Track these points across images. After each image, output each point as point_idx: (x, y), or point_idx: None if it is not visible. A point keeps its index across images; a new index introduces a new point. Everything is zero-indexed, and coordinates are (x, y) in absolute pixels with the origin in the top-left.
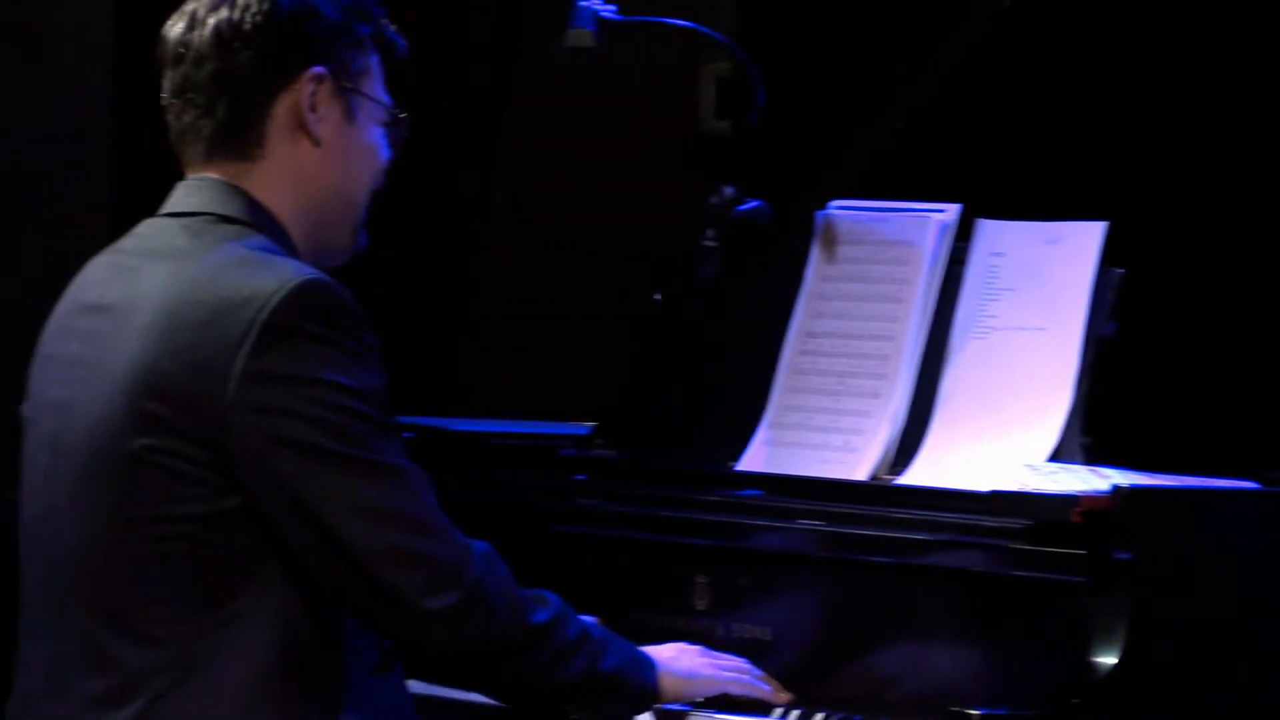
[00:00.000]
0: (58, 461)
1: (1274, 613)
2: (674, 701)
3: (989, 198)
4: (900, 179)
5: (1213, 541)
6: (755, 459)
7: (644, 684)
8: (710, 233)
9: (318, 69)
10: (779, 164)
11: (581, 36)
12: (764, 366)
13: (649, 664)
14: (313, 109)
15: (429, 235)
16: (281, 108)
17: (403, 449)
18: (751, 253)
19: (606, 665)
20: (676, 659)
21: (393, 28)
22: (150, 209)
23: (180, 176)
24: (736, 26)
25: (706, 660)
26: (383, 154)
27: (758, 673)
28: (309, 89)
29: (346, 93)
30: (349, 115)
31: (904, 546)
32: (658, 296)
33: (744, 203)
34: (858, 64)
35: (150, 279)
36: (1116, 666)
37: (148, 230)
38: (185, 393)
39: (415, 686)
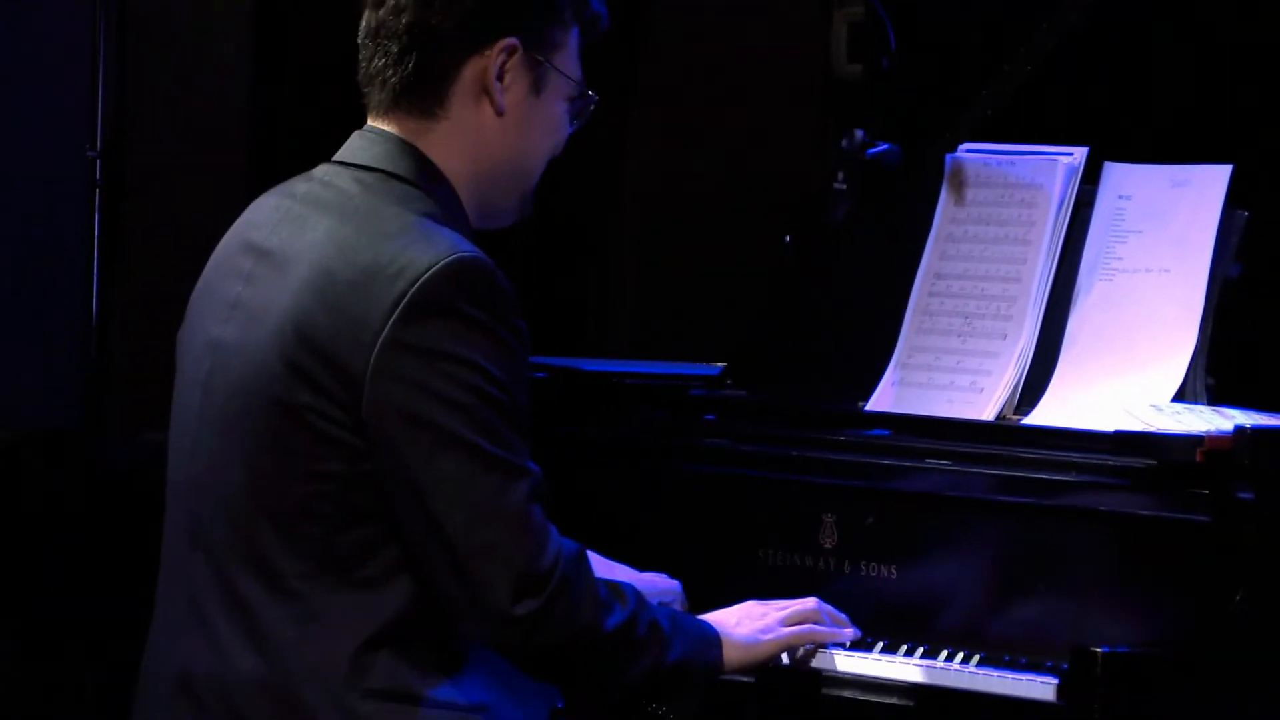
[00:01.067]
0: (209, 402)
1: None
2: (739, 672)
3: (1118, 141)
4: (1030, 122)
5: None
6: (883, 399)
7: (708, 664)
8: (840, 175)
9: (511, 40)
10: (909, 107)
11: None
12: (892, 308)
13: (714, 642)
14: (500, 78)
15: (563, 179)
16: (470, 72)
17: (527, 449)
18: (881, 195)
19: (672, 657)
20: (739, 625)
21: (598, 1)
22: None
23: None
24: None
25: (771, 619)
26: (564, 129)
27: (827, 608)
28: (500, 58)
29: (537, 65)
30: (535, 88)
31: (1029, 486)
32: (788, 238)
33: (875, 146)
34: (989, 7)
35: (314, 232)
36: (1238, 605)
37: (320, 176)
38: (333, 350)
39: None
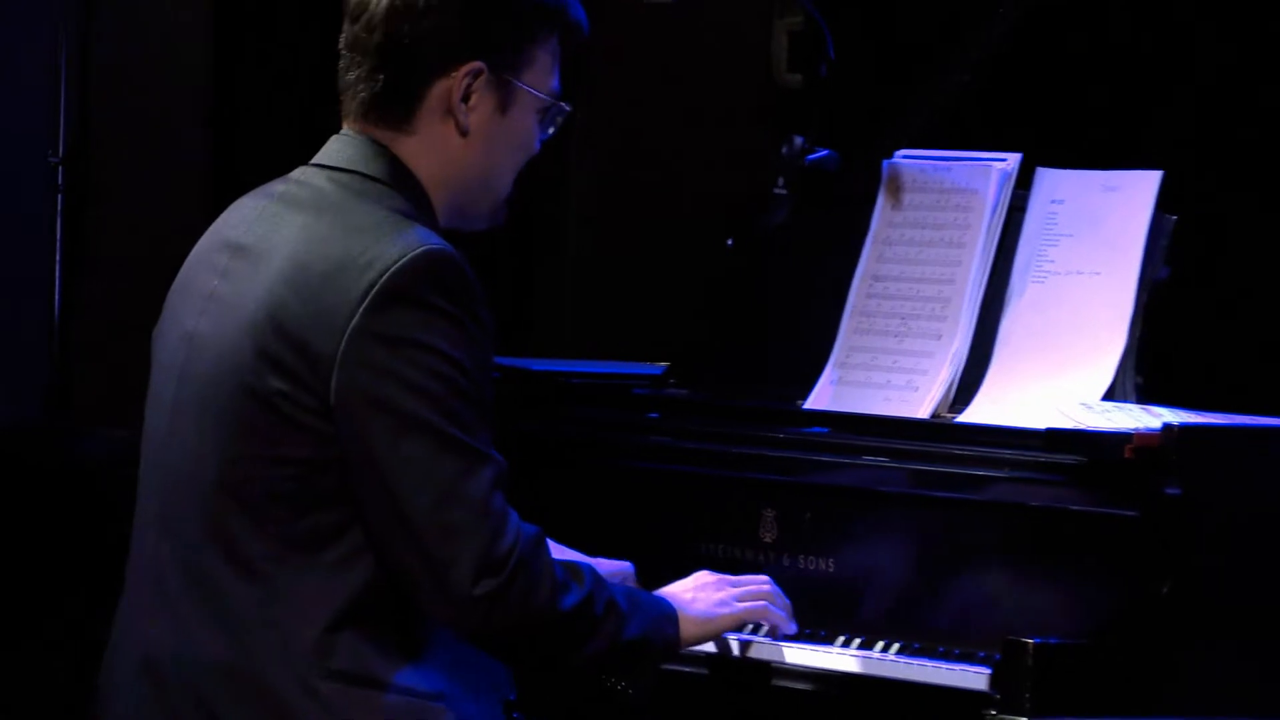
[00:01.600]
0: (183, 391)
1: None
2: (695, 644)
3: (1050, 147)
4: (964, 129)
5: (1261, 478)
6: (821, 397)
7: (665, 639)
8: (781, 181)
9: (477, 63)
10: (847, 115)
11: None
12: (831, 309)
13: (671, 618)
14: (465, 99)
15: (515, 186)
16: (437, 92)
17: (490, 437)
18: (821, 200)
19: (629, 634)
20: (694, 601)
21: (577, 10)
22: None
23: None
24: None
25: (724, 593)
26: (534, 141)
27: (777, 590)
28: (465, 81)
29: (505, 85)
30: (502, 107)
31: (963, 482)
32: (730, 242)
33: (813, 152)
34: (925, 17)
35: (289, 227)
36: (1165, 597)
37: (297, 177)
38: (304, 337)
39: None
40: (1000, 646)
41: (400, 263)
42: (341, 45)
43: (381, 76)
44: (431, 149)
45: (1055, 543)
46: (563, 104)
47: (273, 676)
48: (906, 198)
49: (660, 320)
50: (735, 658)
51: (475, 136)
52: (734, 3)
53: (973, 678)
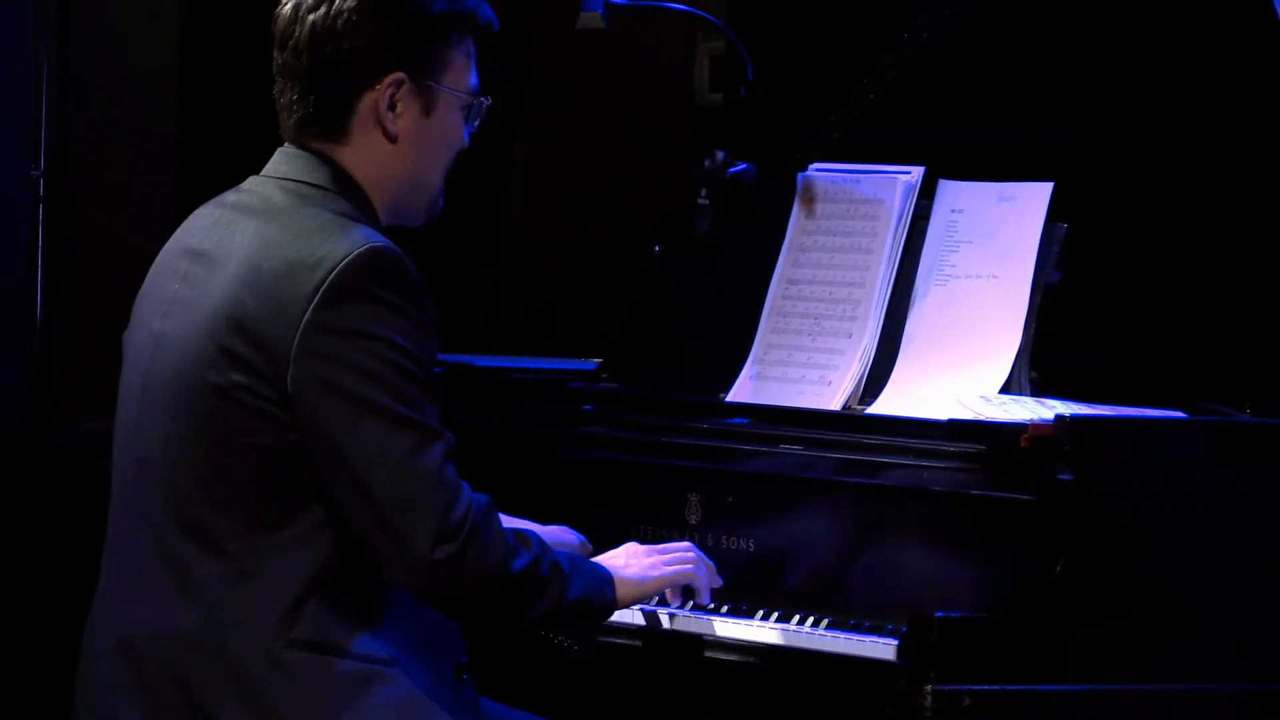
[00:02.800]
0: (149, 388)
1: (1199, 526)
2: (631, 605)
3: (950, 160)
4: (872, 144)
5: (1145, 464)
6: (742, 391)
7: (605, 600)
8: (704, 191)
9: (398, 74)
10: (765, 131)
11: (593, 19)
12: (750, 309)
13: (609, 581)
14: (392, 108)
15: (459, 197)
16: (365, 104)
17: (439, 415)
18: (740, 209)
19: (573, 594)
20: (627, 566)
21: (485, 10)
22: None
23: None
24: (729, 10)
25: (653, 560)
26: (461, 135)
27: (700, 555)
28: (389, 91)
29: (426, 90)
30: (427, 110)
31: (873, 469)
32: (657, 248)
33: (734, 165)
34: (836, 42)
35: (243, 234)
36: (1058, 575)
37: (248, 187)
38: (261, 333)
39: None
40: (907, 620)
41: (346, 260)
42: (275, 70)
43: (313, 96)
44: (366, 156)
45: (957, 524)
46: (483, 99)
47: (239, 648)
48: (819, 207)
49: (594, 320)
50: (664, 630)
51: (404, 141)
52: (660, 29)
53: (882, 648)
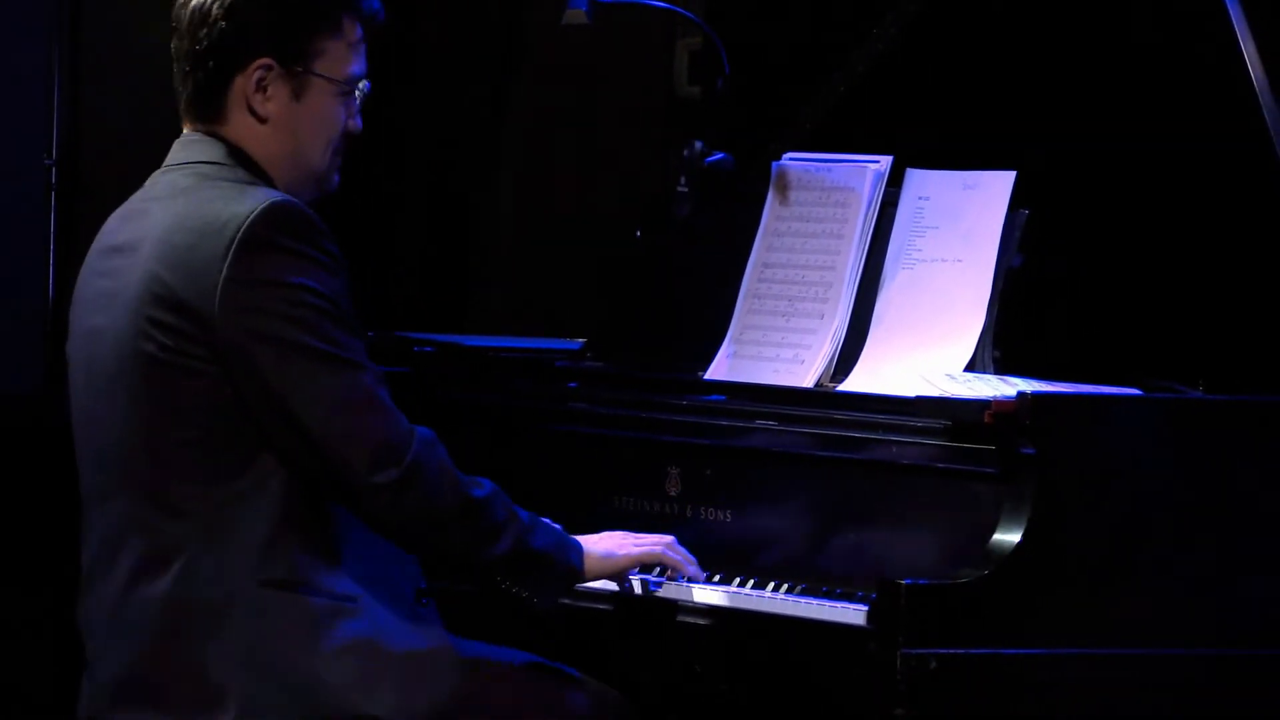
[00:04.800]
0: (92, 375)
1: (1153, 497)
2: (597, 579)
3: (917, 150)
4: (843, 134)
5: (1104, 438)
6: (719, 369)
7: (569, 564)
8: (683, 179)
9: (265, 60)
10: (741, 122)
11: (577, 15)
12: (727, 292)
13: (575, 548)
14: (261, 91)
15: (450, 184)
16: (236, 87)
17: (362, 347)
18: (717, 197)
19: (535, 544)
20: (599, 541)
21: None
22: None
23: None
24: (707, 7)
25: (628, 540)
26: (339, 120)
27: (674, 542)
28: (256, 74)
29: (296, 75)
30: (297, 95)
31: (843, 443)
32: (639, 233)
33: (712, 155)
34: (808, 38)
35: (153, 218)
36: (1020, 544)
37: (152, 182)
38: (182, 300)
39: None
40: (877, 587)
41: (251, 216)
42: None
43: (194, 78)
44: (245, 137)
45: (924, 496)
46: (362, 85)
47: (212, 595)
48: (792, 195)
49: (578, 302)
50: (637, 595)
51: (275, 123)
52: (640, 24)
53: (853, 614)
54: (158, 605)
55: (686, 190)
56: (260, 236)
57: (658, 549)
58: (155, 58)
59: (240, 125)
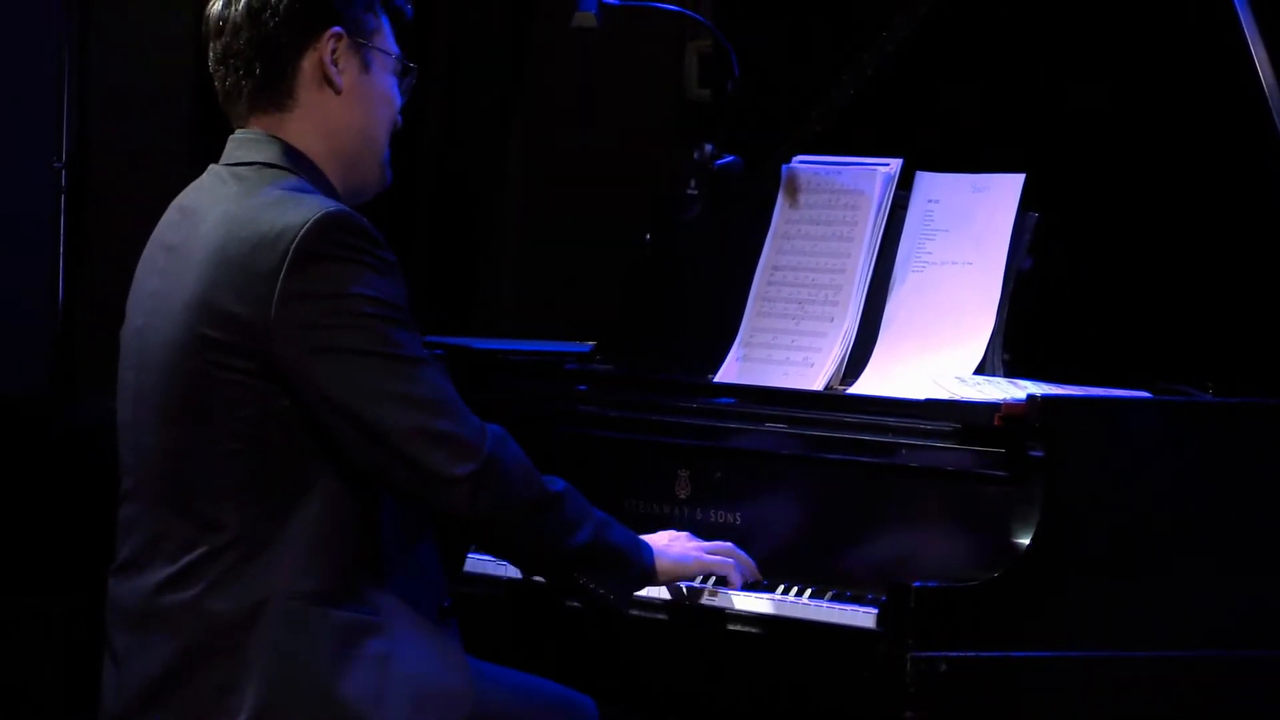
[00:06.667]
0: (141, 379)
1: (1162, 499)
2: (668, 582)
3: (928, 153)
4: (853, 137)
5: (1113, 441)
6: (729, 372)
7: (643, 564)
8: (693, 182)
9: (336, 29)
10: (751, 125)
11: (586, 18)
12: (737, 295)
13: (648, 548)
14: (334, 62)
15: (461, 189)
16: (308, 63)
17: (421, 344)
18: (727, 199)
19: (612, 538)
20: (670, 546)
21: None
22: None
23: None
24: (716, 9)
25: (695, 545)
26: (396, 99)
27: (742, 554)
28: (330, 45)
29: (362, 48)
30: (365, 67)
31: (853, 446)
32: (648, 236)
33: (722, 157)
34: (817, 41)
35: (206, 222)
36: (1030, 547)
37: (206, 179)
38: (236, 316)
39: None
40: (886, 590)
41: (305, 227)
42: (212, 64)
43: (258, 67)
44: (315, 118)
45: (933, 498)
46: (412, 64)
47: (243, 606)
48: (802, 198)
49: (588, 305)
50: (648, 598)
51: (349, 94)
52: (650, 27)
53: (862, 617)
54: (188, 612)
55: (696, 193)
56: (315, 249)
57: (728, 561)
58: (164, 61)
59: (310, 106)
